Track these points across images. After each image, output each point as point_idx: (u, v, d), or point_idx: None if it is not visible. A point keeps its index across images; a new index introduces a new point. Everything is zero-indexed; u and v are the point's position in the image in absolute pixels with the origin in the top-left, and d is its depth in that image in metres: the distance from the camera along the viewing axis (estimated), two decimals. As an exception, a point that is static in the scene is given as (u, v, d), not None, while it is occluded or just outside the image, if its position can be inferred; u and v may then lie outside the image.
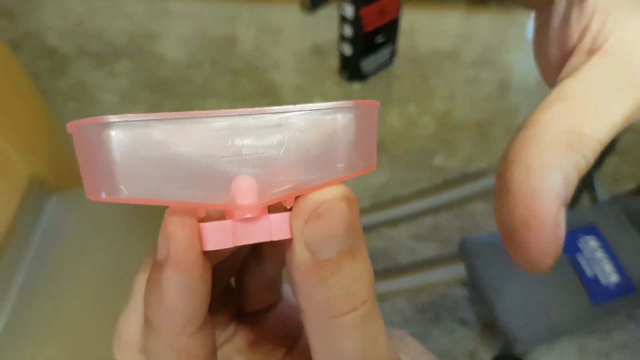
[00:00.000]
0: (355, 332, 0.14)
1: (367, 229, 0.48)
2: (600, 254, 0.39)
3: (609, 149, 0.54)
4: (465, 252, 0.43)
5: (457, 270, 0.44)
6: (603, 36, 0.15)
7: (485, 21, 0.71)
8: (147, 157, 0.12)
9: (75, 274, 0.42)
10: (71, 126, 0.13)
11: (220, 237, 0.13)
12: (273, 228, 0.14)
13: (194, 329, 0.14)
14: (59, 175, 0.49)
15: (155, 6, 0.73)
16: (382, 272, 0.46)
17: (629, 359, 0.40)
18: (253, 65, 0.65)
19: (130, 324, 0.17)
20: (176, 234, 0.13)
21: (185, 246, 0.13)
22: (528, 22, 0.72)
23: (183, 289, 0.13)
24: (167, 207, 0.14)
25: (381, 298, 0.43)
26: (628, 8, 0.14)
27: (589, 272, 0.38)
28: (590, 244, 0.40)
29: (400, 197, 0.51)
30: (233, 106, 0.60)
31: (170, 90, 0.62)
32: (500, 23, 0.71)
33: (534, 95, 0.60)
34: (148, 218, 0.44)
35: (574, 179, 0.14)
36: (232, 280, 0.20)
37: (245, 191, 0.13)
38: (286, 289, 0.21)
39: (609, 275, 0.38)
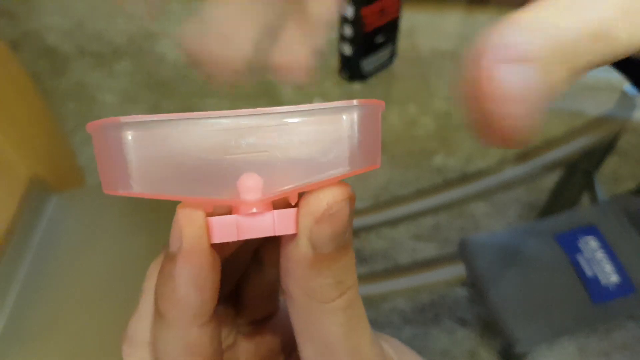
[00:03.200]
0: (341, 315, 0.15)
1: (367, 229, 0.48)
2: (600, 254, 0.39)
3: (609, 149, 0.54)
4: (465, 252, 0.43)
5: (457, 270, 0.44)
6: None
7: (485, 21, 0.71)
8: (158, 155, 0.13)
9: (75, 273, 0.42)
10: (90, 126, 0.14)
11: (226, 230, 0.14)
12: (277, 223, 0.14)
13: (204, 319, 0.15)
14: (59, 176, 0.49)
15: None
16: (382, 272, 0.46)
17: (629, 359, 0.40)
18: (253, 65, 0.65)
19: (142, 325, 0.17)
20: (187, 227, 0.14)
21: (196, 238, 0.14)
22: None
23: (194, 279, 0.14)
24: (178, 202, 0.14)
25: (381, 298, 0.43)
26: None
27: (589, 272, 0.38)
28: (591, 244, 0.40)
29: (401, 197, 0.51)
30: (233, 106, 0.60)
31: (170, 90, 0.62)
32: (500, 23, 0.71)
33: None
34: (148, 218, 0.44)
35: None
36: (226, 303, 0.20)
37: (250, 188, 0.14)
38: (282, 301, 0.21)
39: (609, 275, 0.38)
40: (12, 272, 0.41)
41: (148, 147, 0.13)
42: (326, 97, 0.61)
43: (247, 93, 0.61)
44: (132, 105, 0.59)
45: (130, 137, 0.13)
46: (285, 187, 0.14)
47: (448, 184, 0.52)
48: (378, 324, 0.41)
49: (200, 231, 0.14)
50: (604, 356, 0.40)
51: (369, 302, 0.43)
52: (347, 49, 0.59)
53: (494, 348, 0.41)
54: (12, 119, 0.43)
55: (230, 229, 0.14)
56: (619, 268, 0.38)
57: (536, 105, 0.12)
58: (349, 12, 0.55)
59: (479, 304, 0.43)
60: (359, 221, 0.48)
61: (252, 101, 0.60)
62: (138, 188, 0.13)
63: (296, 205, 0.15)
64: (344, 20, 0.56)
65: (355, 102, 0.14)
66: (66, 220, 0.45)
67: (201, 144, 0.13)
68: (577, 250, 0.39)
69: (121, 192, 0.13)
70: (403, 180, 0.53)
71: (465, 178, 0.52)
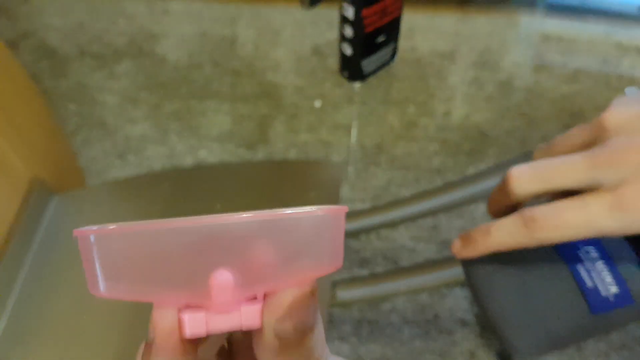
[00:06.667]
0: None
1: (367, 230, 0.48)
2: (600, 265, 0.39)
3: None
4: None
5: (457, 271, 0.44)
6: None
7: (484, 22, 0.71)
8: (131, 261, 0.14)
9: (76, 274, 0.42)
10: (75, 234, 0.16)
11: (196, 326, 0.15)
12: (243, 319, 0.15)
13: None
14: (60, 176, 0.49)
15: (156, 7, 0.73)
16: (382, 274, 0.46)
17: (628, 359, 0.40)
18: (253, 66, 0.65)
19: None
20: (159, 323, 0.15)
21: (167, 334, 0.15)
22: (527, 22, 0.72)
23: None
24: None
25: (381, 299, 0.43)
26: None
27: (588, 283, 0.38)
28: (591, 254, 0.39)
29: (400, 199, 0.51)
30: (233, 107, 0.60)
31: (171, 91, 0.62)
32: (499, 24, 0.71)
33: (533, 95, 0.60)
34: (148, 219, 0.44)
35: None
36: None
37: (221, 288, 0.15)
38: None
39: (609, 286, 0.38)
40: (13, 273, 0.41)
41: (117, 254, 0.14)
42: (326, 98, 0.61)
43: (247, 94, 0.62)
44: (133, 106, 0.59)
45: (98, 246, 0.14)
46: (254, 288, 0.15)
47: (447, 185, 0.52)
48: (378, 325, 0.41)
49: (171, 329, 0.15)
50: (603, 356, 0.40)
51: (369, 303, 0.43)
52: (348, 49, 0.59)
53: (493, 349, 0.41)
54: (12, 120, 0.44)
55: (200, 325, 0.15)
56: (619, 279, 0.38)
57: None
58: (350, 13, 0.55)
59: (478, 306, 0.43)
60: (359, 222, 0.49)
61: (252, 102, 0.60)
62: (114, 291, 0.14)
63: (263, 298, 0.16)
64: (344, 20, 0.57)
65: (319, 210, 0.15)
66: (67, 221, 0.45)
67: (173, 250, 0.14)
68: (577, 260, 0.39)
69: (102, 294, 0.15)
70: (402, 181, 0.53)
71: (464, 179, 0.53)
